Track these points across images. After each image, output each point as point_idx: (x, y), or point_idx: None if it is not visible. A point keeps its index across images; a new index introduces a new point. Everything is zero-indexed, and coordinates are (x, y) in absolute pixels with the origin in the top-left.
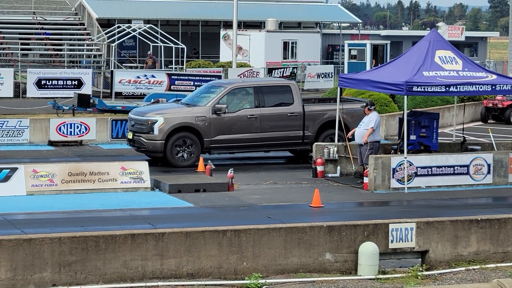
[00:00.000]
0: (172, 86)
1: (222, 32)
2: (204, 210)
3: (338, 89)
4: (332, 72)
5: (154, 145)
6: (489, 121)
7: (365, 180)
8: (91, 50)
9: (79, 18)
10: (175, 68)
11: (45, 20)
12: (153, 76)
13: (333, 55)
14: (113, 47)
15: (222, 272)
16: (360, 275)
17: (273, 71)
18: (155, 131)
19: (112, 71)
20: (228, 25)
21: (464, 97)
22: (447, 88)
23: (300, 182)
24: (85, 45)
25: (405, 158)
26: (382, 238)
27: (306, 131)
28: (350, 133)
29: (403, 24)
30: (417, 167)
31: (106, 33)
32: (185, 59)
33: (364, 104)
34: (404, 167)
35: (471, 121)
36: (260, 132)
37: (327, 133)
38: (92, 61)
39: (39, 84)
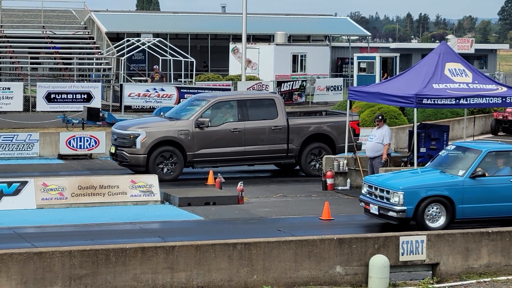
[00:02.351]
0: (181, 100)
1: (231, 46)
2: (214, 223)
3: (348, 102)
4: (341, 85)
5: (136, 159)
6: (499, 134)
7: None
8: (100, 63)
9: (88, 32)
10: (185, 81)
11: (55, 34)
12: (162, 90)
13: (342, 68)
14: (123, 61)
15: (233, 285)
16: None
17: (282, 84)
18: (137, 145)
19: (121, 85)
20: (237, 38)
21: (474, 110)
22: (457, 101)
23: (310, 195)
24: (94, 58)
25: None
26: (392, 251)
27: (290, 145)
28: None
29: (412, 36)
30: None
31: (115, 47)
32: (194, 72)
33: (380, 118)
34: None
35: (481, 133)
36: (244, 146)
37: (312, 146)
38: (101, 75)
39: (49, 98)
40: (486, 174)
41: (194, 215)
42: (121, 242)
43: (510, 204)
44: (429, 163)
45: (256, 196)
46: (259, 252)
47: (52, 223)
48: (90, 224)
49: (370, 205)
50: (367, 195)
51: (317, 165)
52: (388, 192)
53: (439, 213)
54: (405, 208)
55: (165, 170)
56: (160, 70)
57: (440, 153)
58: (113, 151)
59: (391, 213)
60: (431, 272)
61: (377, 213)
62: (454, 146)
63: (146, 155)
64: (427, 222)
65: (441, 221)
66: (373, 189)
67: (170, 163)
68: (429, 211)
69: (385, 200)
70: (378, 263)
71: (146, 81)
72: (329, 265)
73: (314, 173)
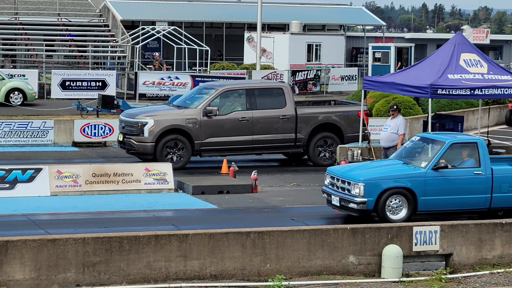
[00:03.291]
0: None
1: (246, 34)
2: (227, 212)
3: (362, 91)
4: (356, 75)
5: (144, 147)
6: None
7: None
8: (115, 51)
9: (103, 19)
10: (199, 70)
11: (70, 21)
12: (177, 78)
13: (357, 58)
14: (137, 49)
15: (246, 273)
16: (383, 278)
17: (297, 73)
18: (145, 133)
19: (136, 73)
20: (252, 27)
21: (488, 100)
22: (472, 91)
23: (323, 184)
24: (109, 46)
25: None
26: (406, 241)
27: (298, 134)
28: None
29: (428, 27)
30: None
31: (130, 35)
32: (209, 61)
33: (395, 107)
34: None
35: (495, 124)
36: (252, 135)
37: (320, 136)
38: (116, 63)
39: (64, 85)
40: (449, 166)
41: (208, 204)
42: (134, 230)
43: (473, 196)
44: (393, 154)
45: (270, 185)
46: (272, 241)
47: (66, 210)
48: (104, 212)
49: (332, 196)
50: (329, 186)
51: (326, 155)
52: (349, 183)
53: (401, 205)
54: (365, 200)
55: (174, 158)
56: (161, 57)
57: (405, 144)
58: (121, 139)
59: (351, 205)
60: (444, 262)
61: (338, 204)
62: (419, 138)
63: (153, 143)
64: (388, 214)
65: (403, 213)
66: (335, 180)
67: (178, 151)
68: (390, 203)
69: (346, 191)
70: (392, 253)
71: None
72: (342, 255)
73: (322, 163)
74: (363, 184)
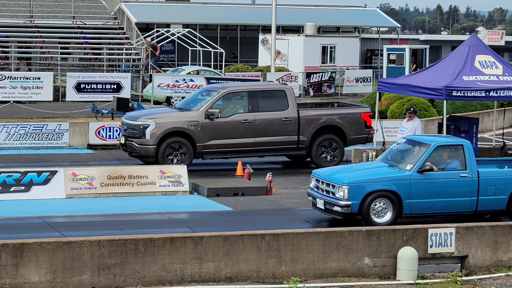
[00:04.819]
0: None
1: (261, 37)
2: (242, 214)
3: (377, 93)
4: (370, 77)
5: (146, 150)
6: None
7: None
8: (130, 54)
9: (118, 22)
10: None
11: (85, 24)
12: (191, 80)
13: (372, 60)
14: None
15: (261, 276)
16: (399, 280)
17: (312, 75)
18: (147, 135)
19: (150, 75)
20: (266, 29)
21: (504, 102)
22: (487, 93)
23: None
24: (124, 49)
25: None
26: (421, 243)
27: (301, 136)
28: None
29: (442, 28)
30: None
31: (145, 37)
32: (223, 63)
33: (411, 110)
34: None
35: (511, 126)
36: (254, 137)
37: (323, 138)
38: (130, 65)
39: (79, 88)
40: (435, 169)
41: (223, 206)
42: (150, 232)
43: (459, 199)
44: (379, 156)
45: (285, 187)
46: (287, 243)
47: (81, 213)
48: (119, 214)
49: (317, 199)
50: (315, 189)
51: (328, 157)
52: (333, 186)
53: (385, 208)
54: (350, 203)
55: (174, 161)
56: (154, 41)
57: (391, 147)
58: (123, 141)
59: (336, 208)
60: (459, 264)
61: (323, 207)
62: (405, 140)
63: (155, 146)
64: (372, 217)
65: (387, 216)
66: (320, 183)
67: (180, 154)
68: (375, 206)
69: (330, 194)
70: (407, 255)
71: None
72: (358, 257)
73: (325, 165)
74: (347, 187)
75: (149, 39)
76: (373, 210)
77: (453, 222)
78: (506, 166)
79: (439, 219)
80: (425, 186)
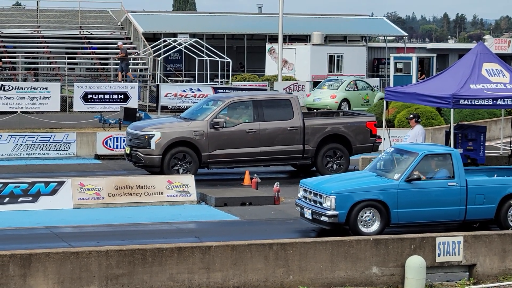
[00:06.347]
0: None
1: (268, 46)
2: (250, 224)
3: (384, 102)
4: (378, 85)
5: (151, 160)
6: None
7: None
8: (137, 64)
9: (125, 32)
10: (221, 82)
11: (92, 34)
12: (199, 90)
13: (379, 68)
14: (159, 61)
15: (269, 285)
16: None
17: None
18: (152, 145)
19: (158, 85)
20: (273, 38)
21: (511, 110)
22: (495, 101)
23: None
24: (131, 59)
25: None
26: (429, 252)
27: (306, 145)
28: None
29: (449, 37)
30: None
31: (152, 47)
32: (230, 72)
33: (411, 116)
34: None
35: None
36: (259, 147)
37: (328, 147)
38: (138, 75)
39: (86, 98)
40: (423, 178)
41: (230, 215)
42: (157, 242)
43: (448, 208)
44: (367, 166)
45: (292, 197)
46: (295, 253)
47: (89, 223)
48: (127, 224)
49: (304, 209)
50: (302, 199)
51: (334, 166)
52: (320, 196)
53: (373, 218)
54: (337, 212)
55: (180, 171)
56: (126, 45)
57: (379, 156)
58: (128, 151)
59: (323, 218)
60: (467, 273)
61: (310, 217)
62: (393, 149)
63: (160, 156)
64: (360, 227)
65: (375, 226)
66: (307, 193)
67: (185, 163)
68: (362, 216)
69: (318, 204)
70: (415, 264)
71: (182, 81)
72: (365, 266)
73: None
74: (334, 196)
75: (120, 42)
76: (361, 220)
77: (451, 231)
78: (496, 175)
79: (432, 229)
80: (413, 196)
